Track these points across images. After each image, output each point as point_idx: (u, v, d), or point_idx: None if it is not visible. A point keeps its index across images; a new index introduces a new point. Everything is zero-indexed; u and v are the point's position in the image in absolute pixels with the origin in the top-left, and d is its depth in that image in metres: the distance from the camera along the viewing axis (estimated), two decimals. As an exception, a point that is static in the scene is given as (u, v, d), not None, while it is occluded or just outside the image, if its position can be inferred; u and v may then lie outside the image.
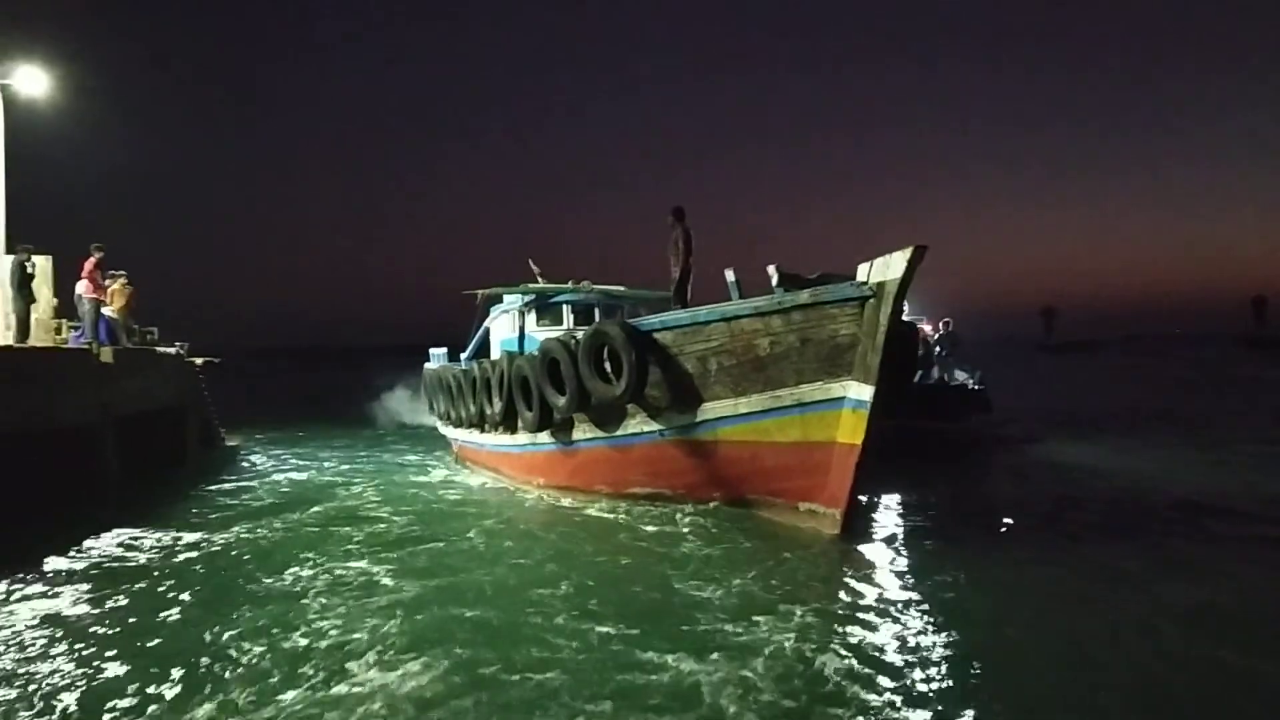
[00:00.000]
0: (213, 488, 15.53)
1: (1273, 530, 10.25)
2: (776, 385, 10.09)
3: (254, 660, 6.49)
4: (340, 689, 5.94)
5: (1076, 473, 14.55)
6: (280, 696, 5.80)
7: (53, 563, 9.56)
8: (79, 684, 6.07)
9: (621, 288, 17.12)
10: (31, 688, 5.99)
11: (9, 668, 6.40)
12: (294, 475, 17.10)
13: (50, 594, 8.40)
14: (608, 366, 11.34)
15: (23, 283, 14.39)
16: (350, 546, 10.33)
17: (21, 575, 8.91)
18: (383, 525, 11.63)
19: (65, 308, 17.81)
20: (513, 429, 13.84)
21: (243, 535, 11.15)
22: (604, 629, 7.02)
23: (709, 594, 7.89)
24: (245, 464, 18.83)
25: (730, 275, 10.37)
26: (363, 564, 9.49)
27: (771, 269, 9.97)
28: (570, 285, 16.72)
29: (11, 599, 8.15)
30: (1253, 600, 7.59)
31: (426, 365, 20.26)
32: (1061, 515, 11.06)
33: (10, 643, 6.93)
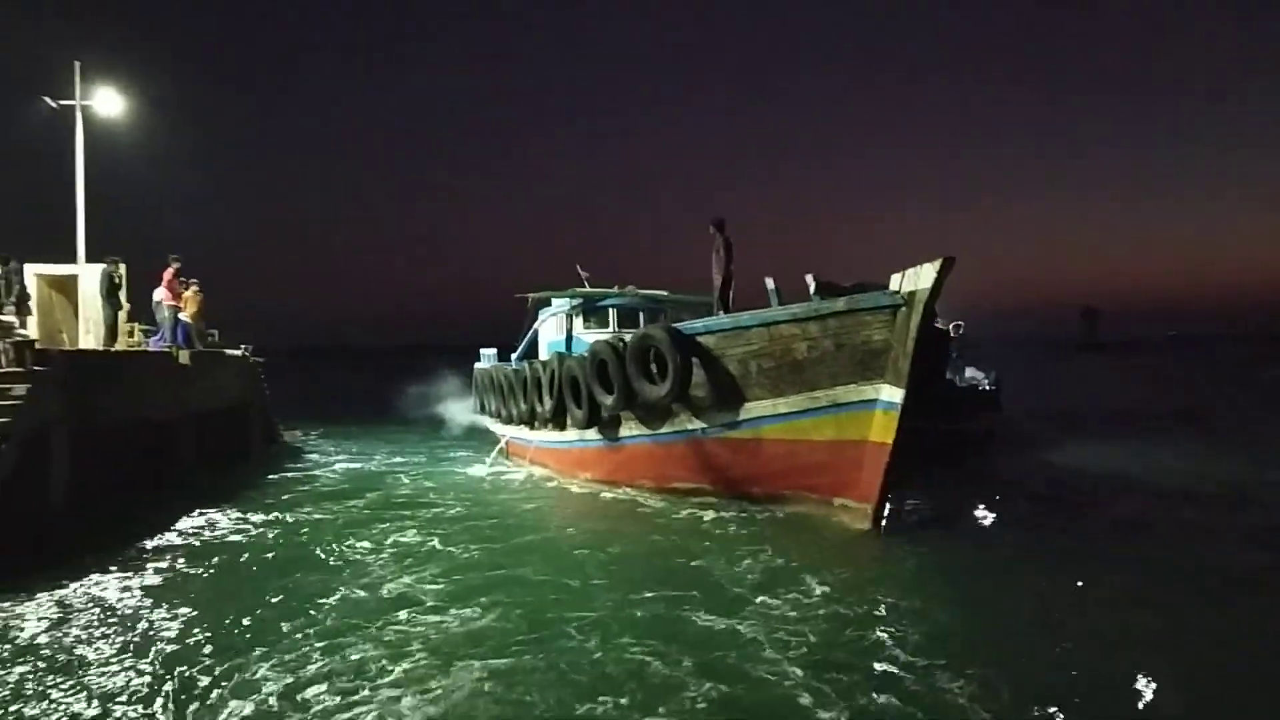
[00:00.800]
0: (275, 476, 17.05)
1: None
2: (813, 387, 10.80)
3: (323, 614, 7.62)
4: (400, 632, 7.06)
5: (1065, 471, 15.24)
6: (347, 640, 6.89)
7: (145, 538, 10.88)
8: (173, 631, 7.27)
9: (664, 292, 17.92)
10: (134, 636, 7.15)
11: (119, 619, 7.65)
12: (349, 465, 18.52)
13: (145, 562, 9.76)
14: (654, 368, 12.14)
15: (111, 291, 15.70)
16: (408, 523, 11.62)
17: (120, 548, 10.22)
18: (438, 507, 12.92)
19: (133, 312, 19.08)
20: (562, 426, 14.73)
21: (308, 516, 12.51)
22: (640, 593, 8.00)
23: (739, 568, 8.83)
24: (303, 456, 20.27)
25: (770, 283, 11.10)
26: (421, 537, 10.79)
27: (809, 278, 10.69)
28: (616, 290, 17.58)
29: (112, 568, 9.42)
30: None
31: (477, 365, 21.30)
32: (1034, 507, 11.90)
33: (116, 602, 8.18)
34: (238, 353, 20.65)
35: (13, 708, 5.75)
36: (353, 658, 6.53)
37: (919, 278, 9.62)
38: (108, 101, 18.96)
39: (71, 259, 18.80)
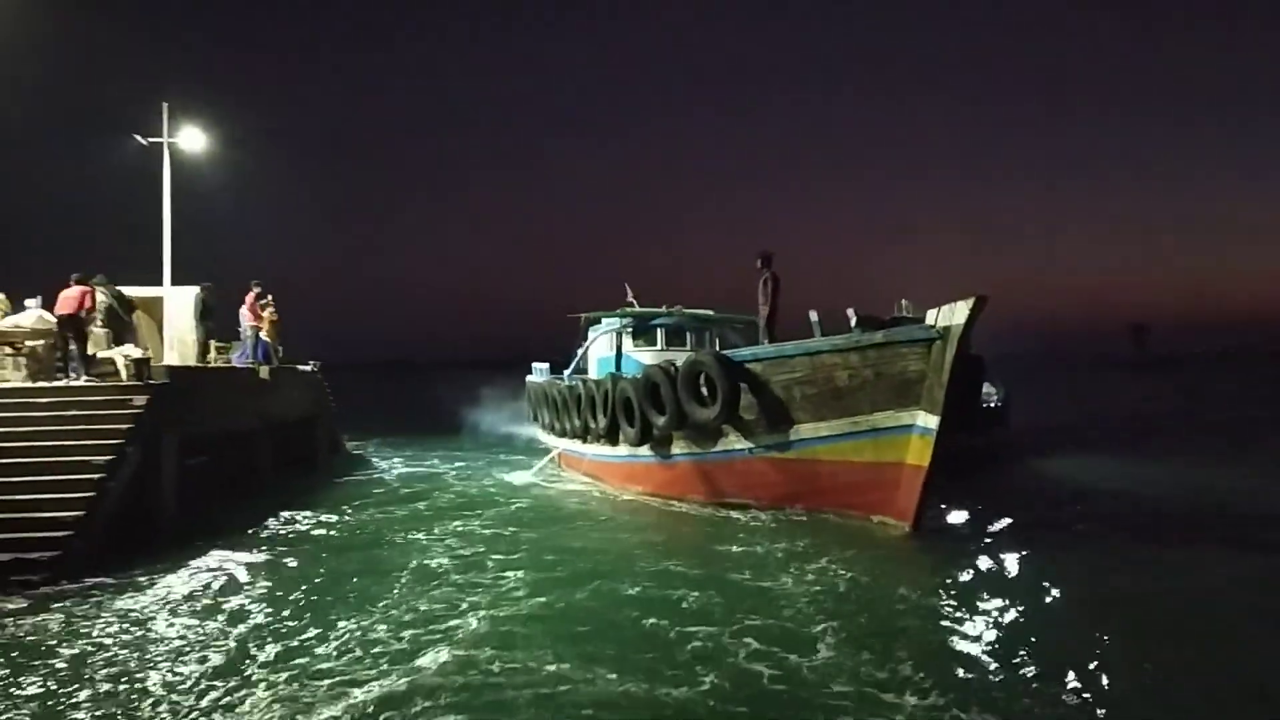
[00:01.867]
0: (341, 480, 18.70)
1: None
2: (853, 412, 11.70)
3: (388, 585, 9.30)
4: (458, 597, 8.76)
5: (1063, 484, 16.06)
6: (414, 616, 8.26)
7: (238, 529, 12.42)
8: (264, 611, 8.57)
9: (710, 311, 18.92)
10: (230, 614, 8.46)
11: (223, 589, 9.29)
12: (409, 472, 20.11)
13: (240, 547, 11.35)
14: (704, 391, 13.13)
15: (204, 313, 17.28)
16: (468, 523, 13.21)
17: (219, 537, 11.77)
18: (496, 508, 14.52)
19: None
20: (614, 441, 15.77)
21: (372, 514, 14.18)
22: (684, 586, 9.05)
23: (774, 558, 9.99)
24: (364, 464, 21.88)
25: (813, 316, 12.05)
26: (482, 532, 12.44)
27: (850, 311, 11.63)
28: (664, 309, 18.63)
29: (213, 552, 11.01)
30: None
31: (529, 379, 22.52)
32: (1023, 518, 12.70)
33: (220, 577, 9.81)
34: (307, 368, 22.08)
35: (151, 650, 7.36)
36: (419, 609, 8.37)
37: (953, 314, 10.49)
38: (191, 138, 20.68)
39: (158, 282, 20.43)
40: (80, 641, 7.50)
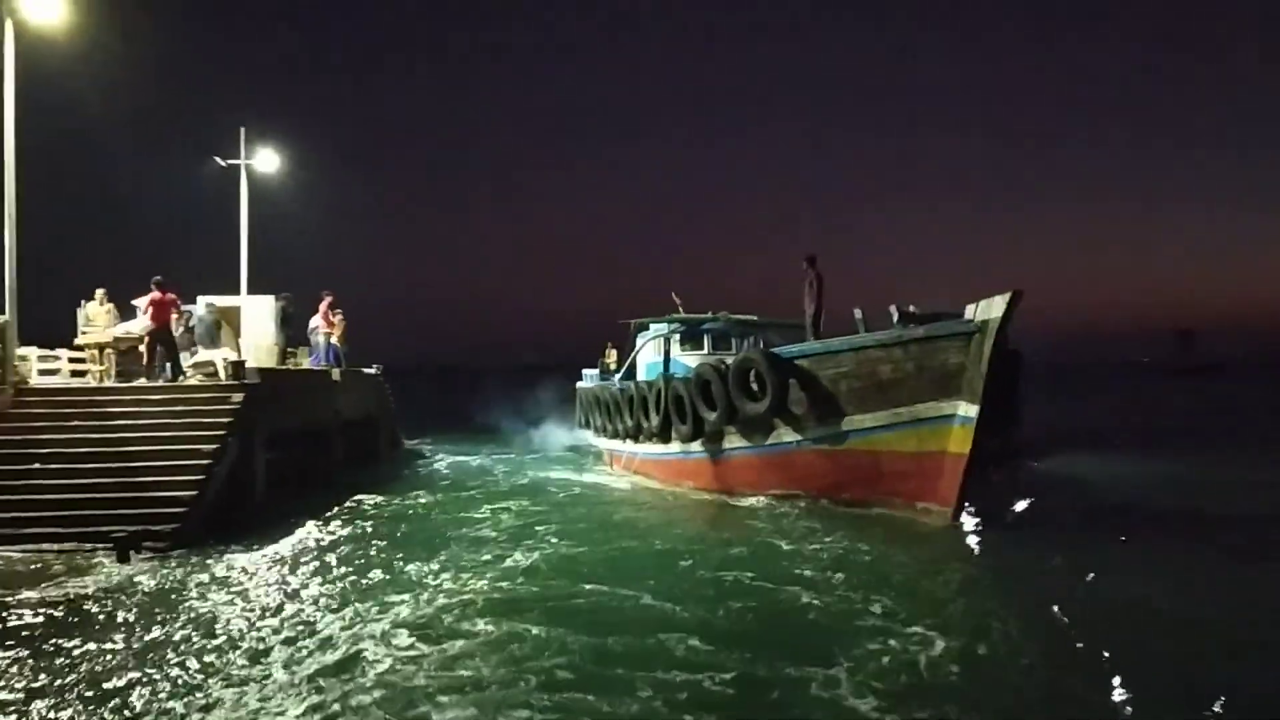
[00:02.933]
0: (402, 472, 20.64)
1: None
2: (896, 404, 12.44)
3: (446, 549, 11.03)
4: (508, 557, 10.46)
5: (1063, 483, 16.66)
6: (468, 562, 10.23)
7: (317, 512, 13.87)
8: (340, 568, 10.20)
9: (754, 316, 19.76)
10: (311, 570, 10.07)
11: (308, 561, 10.62)
12: (461, 465, 21.86)
13: (321, 526, 12.88)
14: (754, 387, 13.96)
15: (284, 321, 18.79)
16: (517, 503, 15.07)
17: (302, 518, 13.29)
18: (543, 494, 16.29)
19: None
20: (667, 439, 16.64)
21: (430, 499, 15.84)
22: (732, 569, 9.80)
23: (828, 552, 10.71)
24: (422, 459, 23.72)
25: (858, 313, 12.85)
26: (530, 510, 14.29)
27: (892, 308, 12.41)
28: (710, 315, 19.53)
29: (298, 530, 12.55)
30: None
31: (579, 384, 23.58)
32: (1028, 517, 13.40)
33: (295, 552, 11.15)
34: (371, 371, 23.53)
35: (248, 598, 8.84)
36: (473, 558, 10.38)
37: (991, 308, 11.22)
38: (266, 160, 22.50)
39: (236, 291, 22.05)
40: (192, 594, 9.01)
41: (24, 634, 7.55)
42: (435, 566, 10.05)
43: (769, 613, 8.15)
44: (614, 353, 33.58)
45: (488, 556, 10.60)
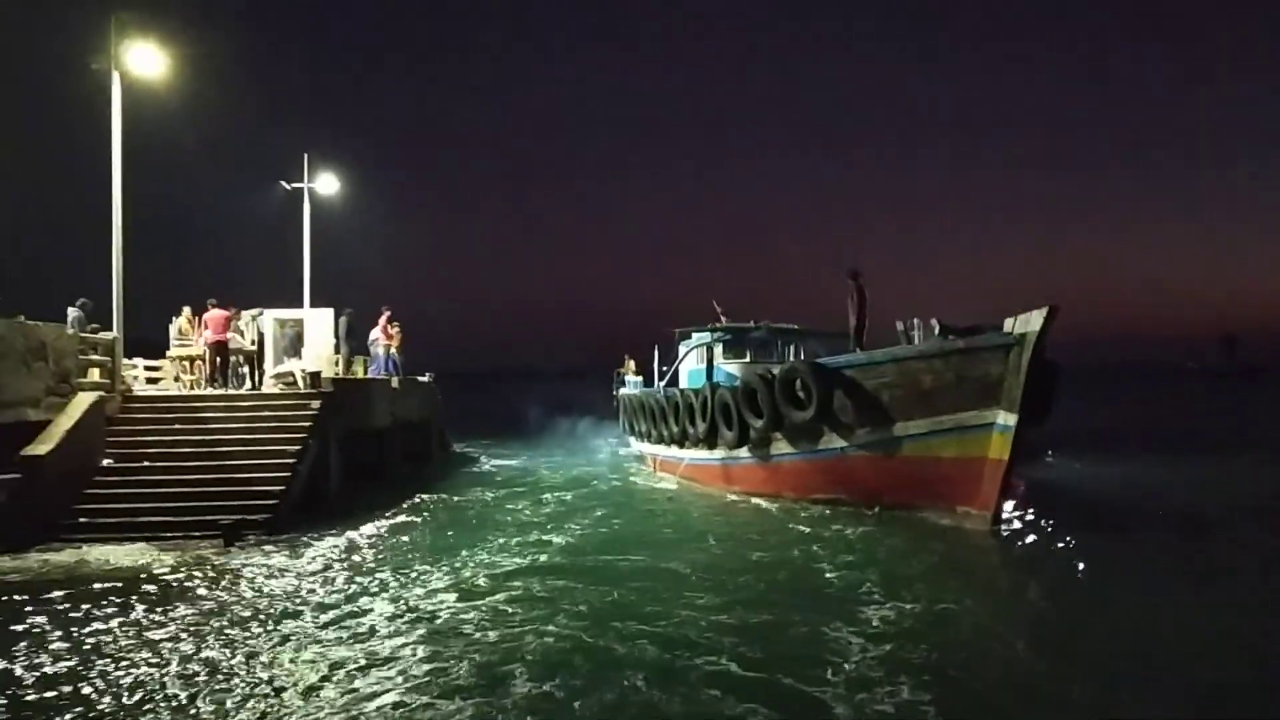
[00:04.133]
0: (453, 471, 22.45)
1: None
2: (938, 412, 13.11)
3: (493, 535, 12.80)
4: (551, 538, 12.35)
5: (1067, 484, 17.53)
6: (516, 542, 12.12)
7: (382, 504, 15.41)
8: (403, 547, 11.99)
9: (795, 326, 20.52)
10: (385, 550, 11.84)
11: (374, 544, 12.30)
12: (507, 465, 23.54)
13: (385, 516, 14.46)
14: (800, 395, 14.69)
15: (349, 334, 20.17)
16: (560, 495, 16.91)
17: (369, 509, 14.79)
18: (584, 488, 18.01)
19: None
20: (713, 445, 17.43)
21: (480, 494, 17.58)
22: (772, 575, 10.64)
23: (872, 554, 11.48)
24: (470, 459, 25.44)
25: (901, 325, 13.56)
26: (573, 502, 16.04)
27: (934, 321, 13.11)
28: (751, 324, 20.33)
29: (367, 519, 14.01)
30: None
31: (622, 390, 24.49)
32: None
33: (372, 536, 12.84)
34: (424, 379, 24.80)
35: (329, 572, 10.44)
36: (519, 538, 12.32)
37: (1029, 322, 11.89)
38: (327, 184, 24.22)
39: (299, 304, 23.60)
40: (291, 570, 10.60)
41: (167, 608, 8.84)
42: (484, 543, 12.00)
43: (787, 582, 9.82)
44: (631, 363, 34.95)
45: (534, 537, 12.59)
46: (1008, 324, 12.27)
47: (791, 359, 18.58)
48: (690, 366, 20.99)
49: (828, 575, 10.13)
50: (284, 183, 24.04)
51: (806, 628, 7.91)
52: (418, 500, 16.31)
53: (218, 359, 16.90)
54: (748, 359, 19.63)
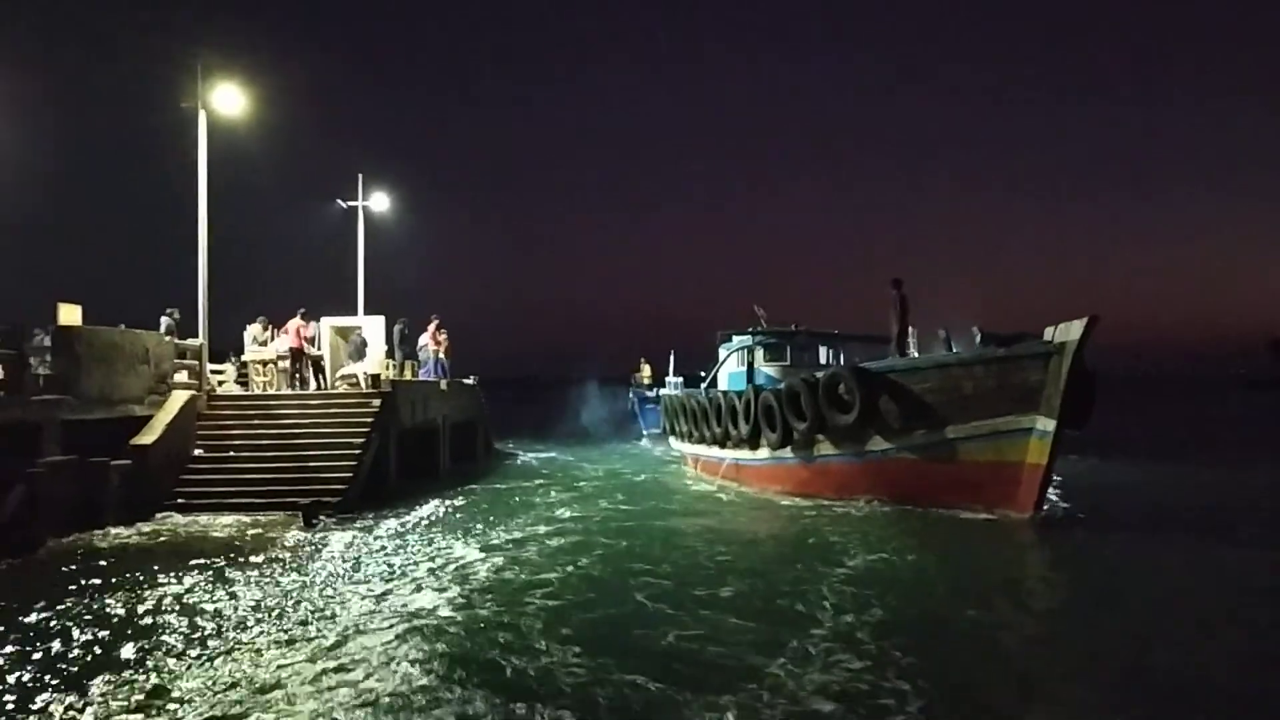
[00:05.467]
0: (497, 466, 24.17)
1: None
2: (979, 417, 13.61)
3: (530, 511, 15.05)
4: (592, 516, 14.39)
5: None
6: (538, 526, 13.58)
7: (434, 493, 17.06)
8: (454, 526, 13.64)
9: (835, 330, 21.07)
10: (439, 529, 13.42)
11: (429, 524, 13.82)
12: (547, 461, 25.06)
13: (437, 503, 15.94)
14: (844, 399, 15.24)
15: (402, 340, 21.39)
16: (597, 486, 18.65)
17: (422, 497, 16.39)
18: (621, 479, 19.79)
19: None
20: (755, 446, 18.04)
21: (523, 484, 19.49)
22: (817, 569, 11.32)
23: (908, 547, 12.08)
24: (512, 457, 26.95)
25: (942, 333, 14.13)
26: (609, 492, 17.68)
27: (975, 329, 13.67)
28: (792, 327, 20.92)
29: (419, 506, 15.50)
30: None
31: (664, 391, 25.21)
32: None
33: (425, 520, 14.28)
34: (469, 382, 25.93)
35: (392, 544, 12.08)
36: (554, 515, 14.64)
37: (1069, 331, 12.39)
38: (380, 202, 26.15)
39: (353, 312, 25.04)
40: (360, 543, 12.32)
41: (265, 569, 10.58)
42: (520, 519, 14.16)
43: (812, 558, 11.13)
44: (647, 368, 36.03)
45: (562, 513, 14.87)
46: (1048, 333, 12.77)
47: (830, 363, 19.13)
48: (730, 369, 21.59)
49: (851, 553, 11.35)
50: (340, 201, 25.85)
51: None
52: (464, 488, 18.16)
53: (296, 362, 18.85)
54: (788, 362, 20.17)
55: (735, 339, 21.75)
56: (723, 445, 19.61)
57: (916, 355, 15.24)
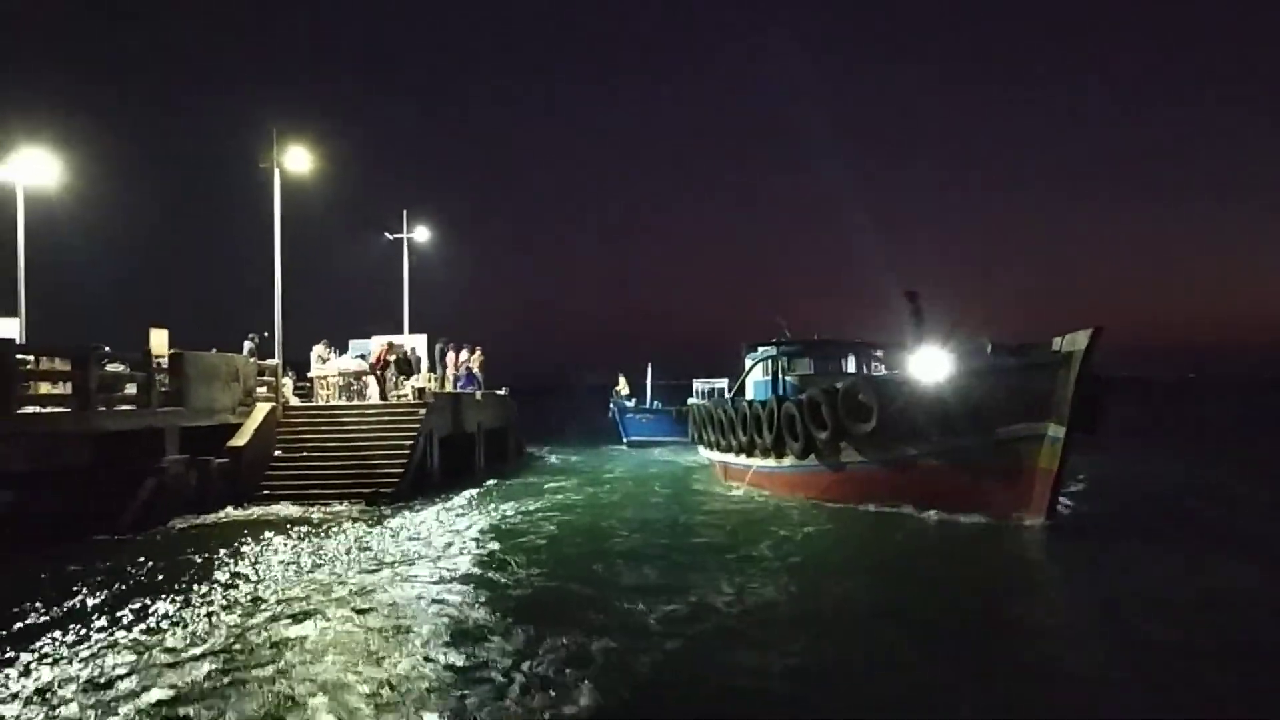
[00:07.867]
0: (526, 467, 26.75)
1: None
2: (992, 424, 14.53)
3: (549, 495, 19.44)
4: (612, 497, 18.99)
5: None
6: (570, 501, 18.34)
7: (470, 488, 20.22)
8: (489, 513, 16.75)
9: (857, 340, 21.97)
10: (473, 514, 16.69)
11: (465, 512, 17.02)
12: (574, 463, 27.59)
13: (472, 496, 19.17)
14: (862, 408, 16.18)
15: (441, 358, 23.17)
16: (622, 478, 22.20)
17: (460, 491, 19.56)
18: (646, 474, 22.45)
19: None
20: (780, 454, 18.98)
21: (551, 481, 22.19)
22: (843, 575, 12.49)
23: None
24: (541, 460, 29.55)
25: (986, 344, 15.04)
26: (631, 488, 20.70)
27: (986, 340, 14.61)
28: (815, 338, 21.87)
29: (457, 499, 18.59)
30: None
31: (690, 401, 26.32)
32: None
33: (462, 509, 17.40)
34: (501, 392, 27.56)
35: (437, 525, 15.28)
36: (575, 498, 18.81)
37: (1075, 341, 13.34)
38: (423, 234, 29.90)
39: (399, 331, 27.14)
40: (410, 523, 15.54)
41: (342, 536, 14.18)
42: (543, 504, 17.52)
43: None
44: (624, 381, 38.25)
45: (576, 497, 18.87)
46: (1056, 343, 13.71)
47: (853, 371, 20.07)
48: (756, 378, 22.55)
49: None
50: (387, 233, 28.33)
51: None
52: (497, 484, 21.22)
53: (383, 372, 22.17)
54: (812, 371, 21.04)
55: (760, 349, 22.72)
56: (749, 453, 20.49)
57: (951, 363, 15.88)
